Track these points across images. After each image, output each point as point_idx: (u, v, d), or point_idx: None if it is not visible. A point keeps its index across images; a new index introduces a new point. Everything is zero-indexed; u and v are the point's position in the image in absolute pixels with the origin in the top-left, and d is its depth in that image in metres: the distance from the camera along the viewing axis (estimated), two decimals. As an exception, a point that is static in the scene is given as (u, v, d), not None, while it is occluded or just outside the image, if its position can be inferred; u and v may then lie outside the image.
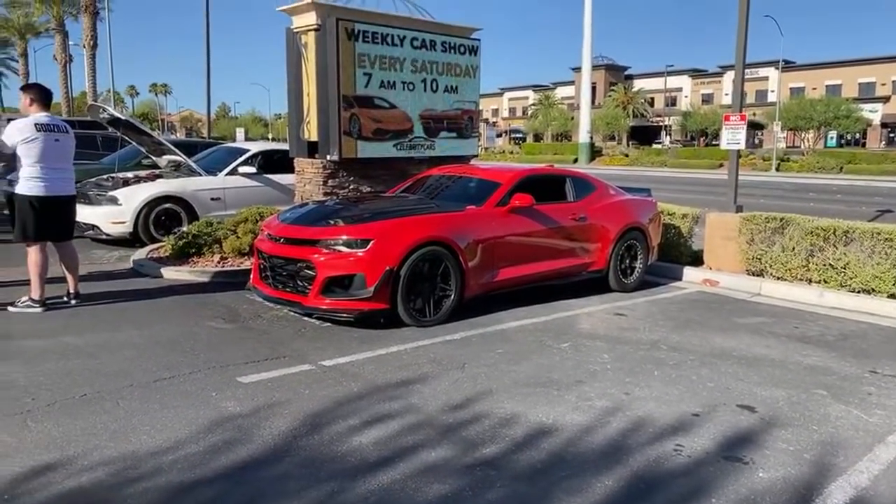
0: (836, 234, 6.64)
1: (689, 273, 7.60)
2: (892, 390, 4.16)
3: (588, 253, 6.65)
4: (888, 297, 6.24)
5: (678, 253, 7.94)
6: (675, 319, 5.83)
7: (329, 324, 5.34)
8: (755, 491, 2.88)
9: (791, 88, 57.93)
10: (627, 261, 7.00)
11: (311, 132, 7.58)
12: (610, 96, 65.82)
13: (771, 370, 4.50)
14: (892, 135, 55.91)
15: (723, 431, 3.47)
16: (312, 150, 7.63)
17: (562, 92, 73.75)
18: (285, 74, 7.81)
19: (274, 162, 9.85)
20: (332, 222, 5.47)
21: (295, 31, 7.58)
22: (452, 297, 5.52)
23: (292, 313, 5.55)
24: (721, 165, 36.94)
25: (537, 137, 69.59)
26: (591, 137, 49.47)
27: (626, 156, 46.79)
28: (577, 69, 57.46)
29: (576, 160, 45.54)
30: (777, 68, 49.30)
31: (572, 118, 60.42)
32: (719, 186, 20.32)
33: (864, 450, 3.30)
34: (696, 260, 7.90)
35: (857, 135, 54.04)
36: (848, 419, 3.69)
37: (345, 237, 5.24)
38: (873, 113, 52.70)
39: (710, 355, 4.80)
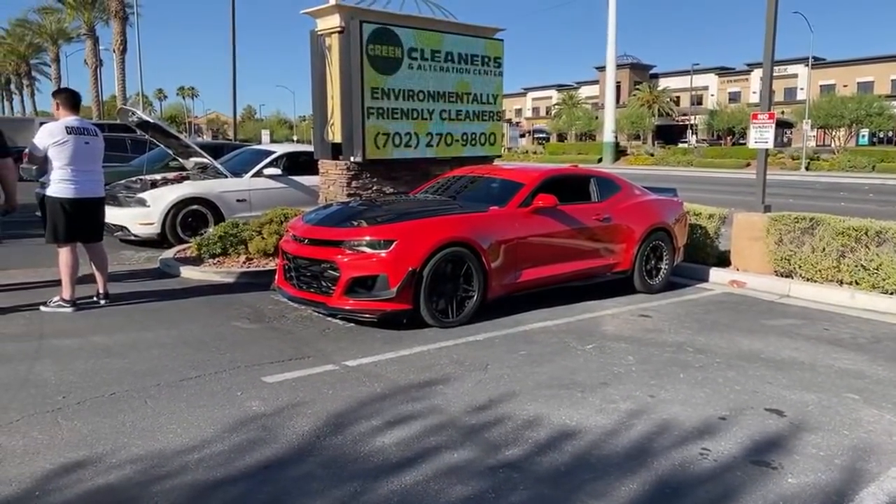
0: (868, 235, 6.49)
1: (716, 274, 7.49)
2: (927, 395, 4.05)
3: (613, 254, 6.59)
4: (923, 298, 6.09)
5: (704, 254, 7.82)
6: (701, 321, 5.75)
7: (352, 324, 5.36)
8: (784, 497, 2.82)
9: (821, 86, 56.75)
10: (653, 262, 6.92)
11: (336, 134, 7.63)
12: (635, 95, 65.17)
13: (800, 373, 4.41)
14: (926, 132, 54.43)
15: (750, 435, 3.41)
16: (336, 151, 7.69)
17: (586, 91, 73.24)
18: (310, 77, 7.88)
19: (299, 163, 9.94)
20: (355, 223, 5.49)
21: (319, 33, 7.64)
22: (475, 297, 5.51)
23: (316, 314, 5.60)
24: (748, 165, 36.39)
25: (561, 137, 69.20)
26: (616, 137, 49.06)
27: (652, 155, 46.31)
28: (602, 68, 57.03)
29: (600, 160, 45.21)
30: (806, 65, 48.33)
31: (596, 118, 59.97)
32: (746, 186, 20.03)
33: (897, 456, 3.22)
34: (723, 261, 7.78)
35: (890, 132, 52.69)
36: (880, 424, 3.60)
37: (368, 238, 5.26)
38: (907, 110, 51.34)
39: (737, 358, 4.72)
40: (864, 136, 51.38)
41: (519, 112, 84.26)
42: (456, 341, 4.99)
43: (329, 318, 5.49)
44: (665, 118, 64.62)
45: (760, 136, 8.01)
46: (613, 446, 3.28)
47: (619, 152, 47.76)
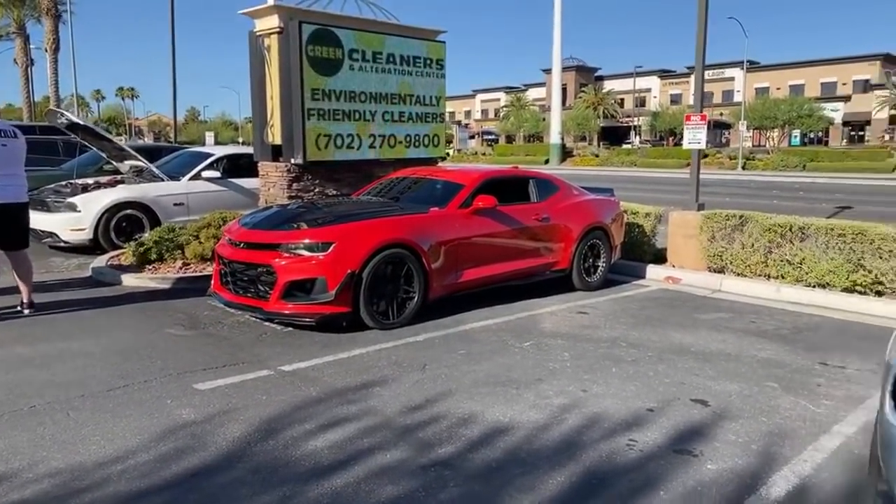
0: (792, 231, 6.80)
1: (652, 271, 7.71)
2: (839, 381, 4.27)
3: (551, 252, 6.70)
4: (841, 290, 6.41)
5: (641, 251, 8.05)
6: (636, 317, 5.91)
7: (291, 328, 5.30)
8: (703, 483, 2.94)
9: (756, 88, 59.13)
10: (590, 260, 7.07)
11: (275, 135, 7.53)
12: (580, 97, 66.47)
13: (726, 364, 4.59)
14: (852, 133, 57.39)
15: (675, 426, 3.54)
16: (277, 153, 7.58)
17: (533, 93, 74.25)
18: (249, 78, 7.74)
19: (239, 166, 9.74)
20: (293, 226, 5.42)
21: (257, 34, 7.52)
22: (416, 299, 5.52)
23: (253, 319, 5.50)
24: (689, 164, 37.54)
25: (510, 139, 69.97)
26: (562, 138, 49.91)
27: (597, 156, 47.28)
28: (548, 71, 57.91)
29: (547, 161, 45.88)
30: (742, 69, 50.28)
31: (544, 119, 60.88)
32: (686, 185, 20.54)
33: (809, 439, 3.39)
34: (660, 258, 8.02)
35: (820, 133, 55.37)
36: (796, 410, 3.78)
37: (306, 241, 5.20)
38: (835, 112, 54.08)
39: (668, 351, 4.87)
40: (795, 136, 53.83)
41: (468, 114, 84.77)
42: (396, 343, 4.99)
43: (266, 323, 5.41)
44: (610, 120, 66.13)
45: (693, 136, 8.29)
46: (544, 441, 3.34)
47: (566, 153, 48.59)
